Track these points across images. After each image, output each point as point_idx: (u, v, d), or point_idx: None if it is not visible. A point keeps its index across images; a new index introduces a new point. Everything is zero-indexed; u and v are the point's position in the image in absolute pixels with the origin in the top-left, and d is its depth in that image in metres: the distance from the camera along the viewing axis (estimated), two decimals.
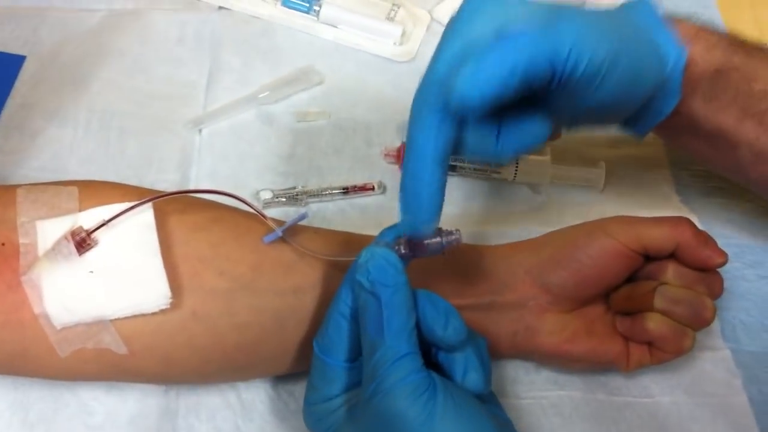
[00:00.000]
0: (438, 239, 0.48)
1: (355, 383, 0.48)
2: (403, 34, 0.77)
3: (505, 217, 0.66)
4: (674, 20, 0.52)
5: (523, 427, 0.57)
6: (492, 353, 0.56)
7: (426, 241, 0.48)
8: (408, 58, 0.76)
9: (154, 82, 0.72)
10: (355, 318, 0.47)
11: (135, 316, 0.48)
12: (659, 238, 0.54)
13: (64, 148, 0.67)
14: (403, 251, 0.48)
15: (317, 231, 0.57)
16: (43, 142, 0.67)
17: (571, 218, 0.59)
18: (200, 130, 0.70)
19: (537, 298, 0.56)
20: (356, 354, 0.48)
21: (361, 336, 0.46)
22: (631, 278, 0.56)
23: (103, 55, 0.72)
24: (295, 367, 0.54)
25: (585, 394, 0.58)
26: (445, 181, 0.46)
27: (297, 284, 0.52)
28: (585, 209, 0.66)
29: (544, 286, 0.55)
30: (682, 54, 0.50)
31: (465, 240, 0.58)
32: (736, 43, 0.53)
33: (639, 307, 0.55)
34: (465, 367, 0.48)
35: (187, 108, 0.70)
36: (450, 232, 0.49)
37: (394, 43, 0.76)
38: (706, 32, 0.53)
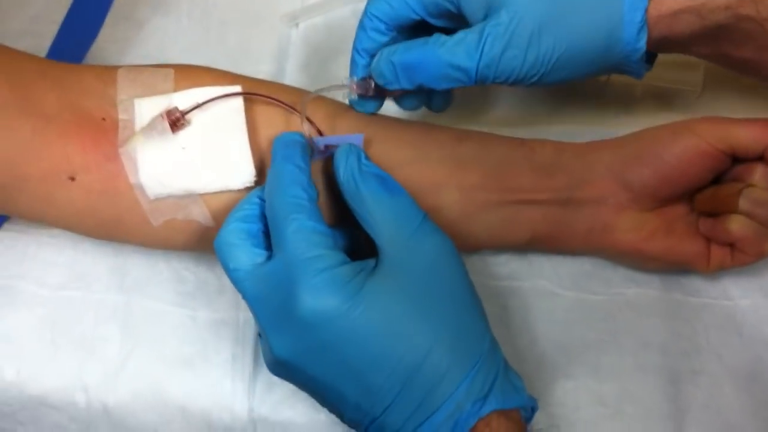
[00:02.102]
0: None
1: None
2: None
3: (596, 116, 0.65)
4: None
5: (597, 322, 0.58)
6: (568, 248, 0.58)
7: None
8: None
9: None
10: None
11: (222, 192, 0.51)
12: (747, 139, 0.52)
13: (168, 37, 0.70)
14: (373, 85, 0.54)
15: None
16: (149, 31, 0.70)
17: (664, 120, 0.58)
18: (297, 24, 0.71)
19: (617, 195, 0.55)
20: None
21: None
22: (718, 179, 0.55)
23: None
24: None
25: (661, 293, 0.58)
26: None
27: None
28: (679, 114, 0.64)
29: (624, 183, 0.55)
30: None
31: (553, 137, 0.59)
32: None
33: (723, 208, 0.54)
34: None
35: (286, 2, 0.72)
36: None
37: None
38: None
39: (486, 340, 0.46)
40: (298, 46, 0.70)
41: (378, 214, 0.47)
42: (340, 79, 0.56)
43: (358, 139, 0.51)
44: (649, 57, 0.52)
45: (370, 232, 0.47)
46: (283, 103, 0.53)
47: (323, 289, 0.42)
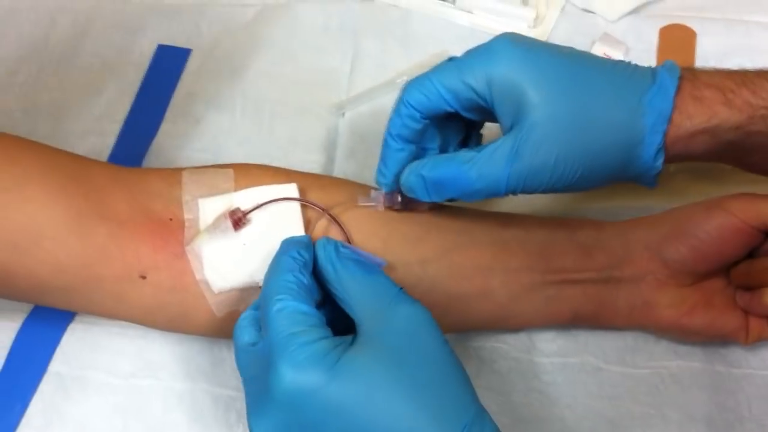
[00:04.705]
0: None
1: None
2: (537, 17, 0.79)
3: (631, 192, 0.67)
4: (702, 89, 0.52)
5: (642, 395, 0.59)
6: (611, 324, 0.60)
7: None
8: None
9: (301, 69, 0.77)
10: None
11: None
12: None
13: (223, 131, 0.74)
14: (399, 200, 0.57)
15: None
16: (205, 126, 0.74)
17: (696, 195, 0.60)
18: (343, 114, 0.75)
19: (655, 272, 0.58)
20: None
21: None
22: (752, 253, 0.57)
23: (256, 46, 0.79)
24: None
25: (704, 365, 0.60)
26: (404, 156, 0.56)
27: (423, 256, 0.56)
28: (712, 186, 0.66)
29: (662, 261, 0.57)
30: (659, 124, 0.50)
31: (591, 216, 0.61)
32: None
33: (758, 282, 0.56)
34: None
35: (331, 93, 0.76)
36: None
37: (528, 26, 0.79)
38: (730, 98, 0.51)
39: (471, 410, 0.44)
40: (345, 134, 0.74)
41: (354, 291, 0.48)
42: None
43: (377, 261, 0.52)
44: None
45: (347, 309, 0.49)
46: (321, 208, 0.56)
47: (301, 363, 0.43)
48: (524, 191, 0.52)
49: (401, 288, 0.49)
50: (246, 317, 0.50)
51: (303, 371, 0.43)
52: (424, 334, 0.46)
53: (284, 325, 0.45)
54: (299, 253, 0.50)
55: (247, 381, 0.48)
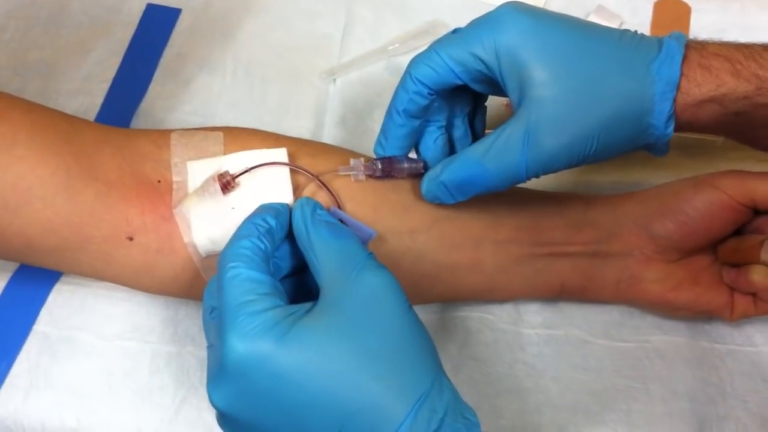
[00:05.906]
0: (406, 165, 0.57)
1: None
2: None
3: (621, 167, 0.68)
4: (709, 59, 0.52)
5: (627, 369, 0.60)
6: (598, 299, 0.60)
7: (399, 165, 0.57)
8: None
9: (293, 35, 0.77)
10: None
11: None
12: (767, 192, 0.55)
13: (213, 94, 0.73)
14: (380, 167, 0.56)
15: None
16: (194, 88, 0.74)
17: (687, 171, 0.61)
18: (334, 80, 0.75)
19: (643, 247, 0.58)
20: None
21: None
22: (740, 230, 0.58)
23: (248, 9, 0.78)
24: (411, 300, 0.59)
25: (689, 340, 0.60)
26: (406, 131, 0.55)
27: (412, 225, 0.56)
28: (702, 163, 0.67)
29: (650, 236, 0.58)
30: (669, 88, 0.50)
31: (581, 190, 0.61)
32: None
33: (745, 259, 0.56)
34: None
35: (323, 59, 0.75)
36: (415, 160, 0.57)
37: None
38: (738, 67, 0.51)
39: (429, 379, 0.44)
40: (335, 101, 0.73)
41: (321, 255, 0.47)
42: (374, 132, 0.59)
43: (368, 232, 0.52)
44: None
45: (314, 274, 0.48)
46: (311, 174, 0.55)
47: (249, 333, 0.42)
48: (545, 173, 0.52)
49: (371, 254, 0.48)
50: (213, 282, 0.49)
51: (251, 341, 0.42)
52: (387, 301, 0.46)
53: (235, 293, 0.44)
54: (264, 220, 0.49)
55: (209, 348, 0.47)
